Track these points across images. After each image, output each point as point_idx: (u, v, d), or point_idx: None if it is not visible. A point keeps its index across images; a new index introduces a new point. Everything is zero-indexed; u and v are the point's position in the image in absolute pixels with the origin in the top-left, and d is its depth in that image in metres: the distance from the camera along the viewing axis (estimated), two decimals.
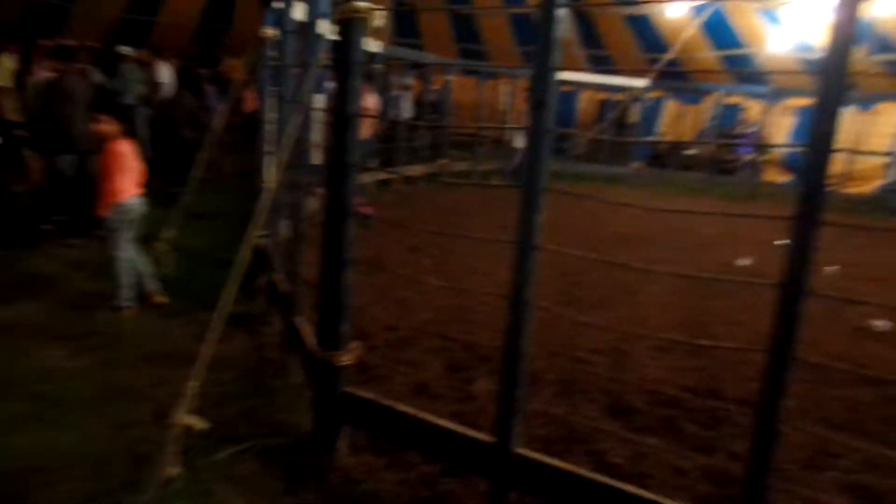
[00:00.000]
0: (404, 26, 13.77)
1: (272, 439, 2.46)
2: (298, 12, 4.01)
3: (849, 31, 1.37)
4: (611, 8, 13.41)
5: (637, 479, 2.46)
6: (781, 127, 12.81)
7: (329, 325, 2.29)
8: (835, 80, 1.39)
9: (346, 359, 2.30)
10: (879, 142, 11.39)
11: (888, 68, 11.22)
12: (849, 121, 11.33)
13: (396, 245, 5.95)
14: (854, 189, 11.39)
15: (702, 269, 5.94)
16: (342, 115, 2.14)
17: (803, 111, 12.49)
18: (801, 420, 3.06)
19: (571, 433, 2.79)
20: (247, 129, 12.26)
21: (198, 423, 1.99)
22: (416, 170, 10.00)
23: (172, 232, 4.16)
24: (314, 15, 3.01)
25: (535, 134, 1.81)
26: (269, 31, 4.19)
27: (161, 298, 4.04)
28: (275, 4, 4.08)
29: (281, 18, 3.80)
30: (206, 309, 3.91)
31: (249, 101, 11.75)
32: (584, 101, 14.22)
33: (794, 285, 1.47)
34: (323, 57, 2.72)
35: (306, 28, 3.08)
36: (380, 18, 2.28)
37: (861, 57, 11.78)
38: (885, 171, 11.06)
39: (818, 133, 1.42)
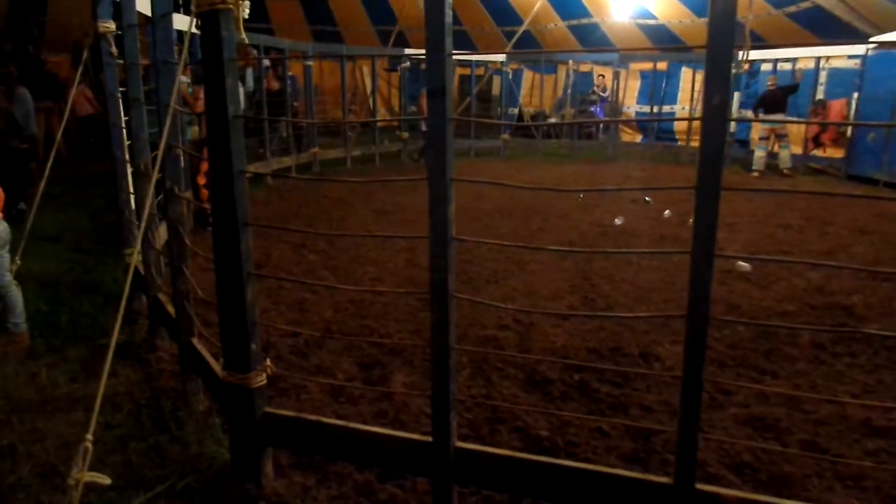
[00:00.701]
0: (251, 10, 13.07)
1: (188, 477, 2.24)
2: (141, 4, 3.63)
3: (731, 3, 1.44)
4: None
5: (565, 448, 2.55)
6: (630, 90, 13.74)
7: (237, 346, 2.11)
8: (723, 52, 1.45)
9: (259, 380, 2.14)
10: None
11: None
12: (687, 81, 12.39)
13: (279, 243, 5.68)
14: (698, 143, 12.46)
15: (584, 231, 6.26)
16: (222, 118, 1.95)
17: (645, 75, 13.48)
18: None
19: (494, 413, 2.82)
20: (83, 134, 11.09)
21: (99, 478, 1.75)
22: (285, 162, 9.60)
23: (16, 261, 3.64)
24: (163, 6, 2.71)
25: (436, 123, 1.75)
26: (107, 25, 3.75)
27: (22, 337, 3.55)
28: None
29: (120, 10, 3.41)
30: (73, 343, 3.51)
31: (81, 103, 10.61)
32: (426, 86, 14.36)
33: (704, 250, 1.54)
34: (180, 53, 2.47)
35: (153, 21, 2.77)
36: (246, 8, 2.10)
37: (692, 21, 12.87)
38: None
39: (711, 106, 1.48)
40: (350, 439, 2.09)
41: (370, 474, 2.30)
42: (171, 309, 3.10)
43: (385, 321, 3.94)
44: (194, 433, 2.55)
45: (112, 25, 3.67)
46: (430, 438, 1.96)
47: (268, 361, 2.18)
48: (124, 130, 3.74)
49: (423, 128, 10.14)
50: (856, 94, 9.48)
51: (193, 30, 2.10)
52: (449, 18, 1.67)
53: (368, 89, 14.54)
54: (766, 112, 9.79)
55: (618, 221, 6.56)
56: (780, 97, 9.72)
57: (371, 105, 13.64)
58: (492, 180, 2.45)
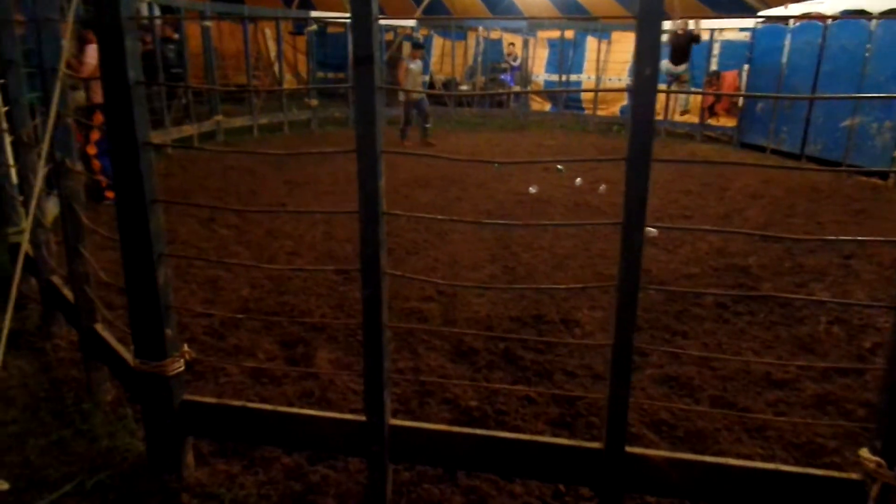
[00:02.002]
0: None
1: (100, 473, 2.08)
2: None
3: None
4: None
5: (495, 417, 2.58)
6: (539, 59, 13.90)
7: (150, 332, 1.95)
8: (653, 24, 1.46)
9: (176, 367, 2.00)
10: (617, 67, 12.95)
11: (621, 2, 12.66)
12: (593, 50, 12.69)
13: (186, 218, 5.35)
14: (604, 111, 12.90)
15: (501, 200, 6.32)
16: (122, 84, 1.76)
17: (553, 43, 13.68)
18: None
19: (423, 386, 2.81)
20: None
21: None
22: (188, 130, 9.02)
23: None
24: None
25: (365, 92, 1.66)
26: None
27: None
28: None
29: None
30: None
31: None
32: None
33: (635, 221, 1.57)
34: (68, 10, 2.21)
35: None
36: None
37: None
38: (625, 95, 12.65)
39: (642, 77, 1.49)
40: (279, 423, 2.01)
41: (299, 457, 2.23)
42: (67, 293, 2.84)
43: (305, 297, 3.82)
44: (103, 426, 2.37)
45: None
46: (363, 417, 1.92)
47: (185, 346, 2.04)
48: None
49: (402, 100, 9.69)
50: (746, 66, 10.07)
51: None
52: None
53: (273, 54, 13.86)
54: (673, 61, 10.32)
55: (532, 190, 6.67)
56: (684, 45, 10.23)
57: (277, 71, 13.03)
58: (419, 152, 2.38)
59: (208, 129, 9.52)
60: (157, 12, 8.94)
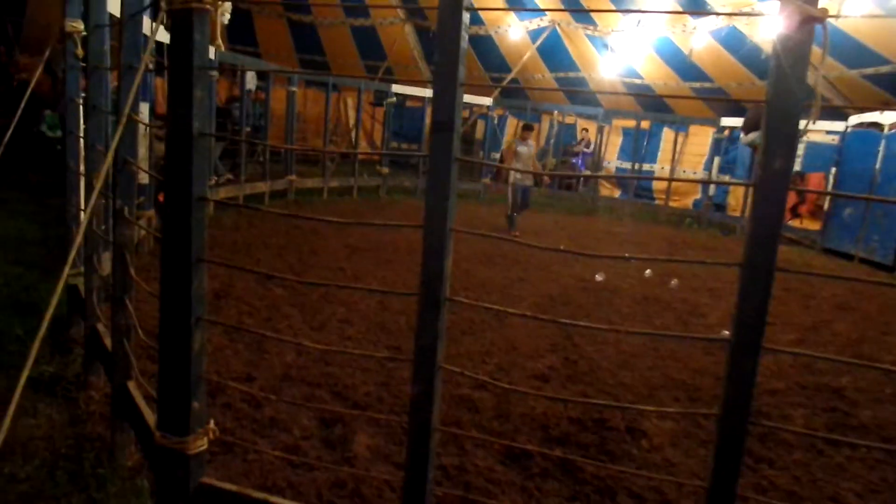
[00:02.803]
0: (238, 31, 12.84)
1: None
2: (112, 3, 3.34)
3: (803, 57, 1.22)
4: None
5: None
6: (612, 145, 13.83)
7: (175, 403, 1.77)
8: (788, 110, 1.23)
9: (198, 444, 1.79)
10: (692, 160, 12.69)
11: (699, 94, 12.55)
12: (668, 141, 12.51)
13: (244, 273, 5.31)
14: (676, 203, 12.55)
15: (565, 285, 6.03)
16: (185, 134, 1.66)
17: (627, 131, 13.61)
18: (679, 441, 3.05)
19: (468, 490, 2.49)
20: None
21: None
22: (261, 187, 9.26)
23: None
24: (133, 6, 2.44)
25: (441, 161, 1.49)
26: (74, 25, 3.45)
27: None
28: None
29: (87, 10, 3.12)
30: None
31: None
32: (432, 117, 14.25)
33: (750, 340, 1.29)
34: (148, 59, 2.18)
35: (123, 22, 2.49)
36: (227, 12, 1.84)
37: (677, 84, 13.10)
38: (698, 187, 12.32)
39: (770, 171, 1.25)
40: None
41: None
42: (108, 343, 2.73)
43: (351, 370, 3.60)
44: (117, 497, 2.17)
45: (80, 25, 3.37)
46: None
47: (211, 423, 1.84)
48: (81, 140, 3.40)
49: (509, 189, 8.79)
50: (833, 169, 9.61)
51: (163, 31, 1.83)
52: (465, 44, 1.43)
53: (352, 122, 14.38)
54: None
55: (599, 278, 6.36)
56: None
57: (353, 137, 13.45)
58: (493, 234, 2.19)
59: (280, 188, 9.76)
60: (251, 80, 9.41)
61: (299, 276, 5.35)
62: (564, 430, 3.12)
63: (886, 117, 9.03)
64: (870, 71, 10.33)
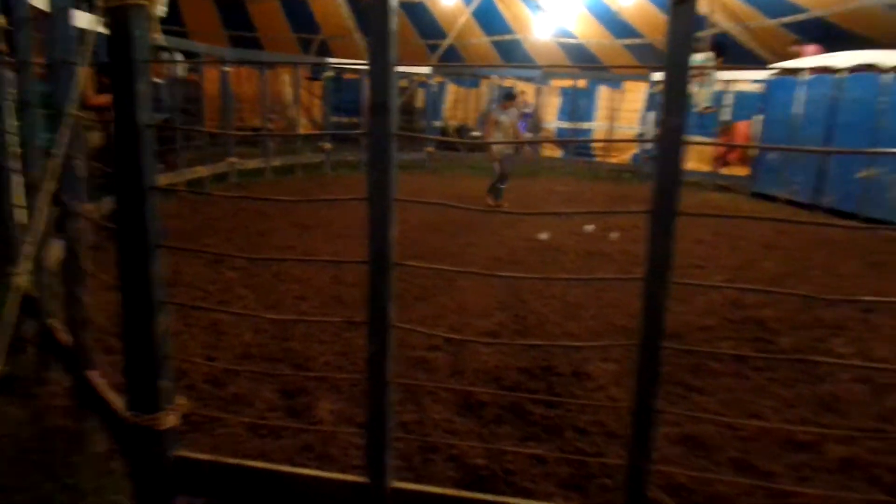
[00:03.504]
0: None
1: None
2: None
3: (689, 31, 1.40)
4: None
5: (504, 477, 2.45)
6: (551, 106, 14.06)
7: (144, 384, 1.87)
8: (679, 75, 1.41)
9: (170, 420, 1.90)
10: (628, 116, 13.06)
11: (631, 51, 12.87)
12: (605, 99, 12.82)
13: (192, 259, 5.31)
14: (615, 159, 12.95)
15: (513, 247, 6.25)
16: (131, 127, 1.72)
17: (566, 91, 13.85)
18: (622, 381, 3.31)
19: (427, 441, 2.68)
20: None
21: None
22: (200, 171, 9.10)
23: None
24: (62, 1, 2.43)
25: (379, 138, 1.61)
26: None
27: None
28: None
29: (8, 3, 3.05)
30: None
31: None
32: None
33: (660, 277, 1.49)
34: (89, 53, 2.20)
35: (52, 16, 2.48)
36: (162, 6, 1.89)
37: (610, 42, 13.36)
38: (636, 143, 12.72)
39: (669, 128, 1.43)
40: (275, 483, 1.90)
41: None
42: (64, 337, 2.77)
43: (309, 342, 3.72)
44: (90, 480, 2.26)
45: (2, 19, 3.29)
46: (364, 479, 1.81)
47: (181, 399, 1.95)
48: (14, 137, 3.34)
49: (496, 160, 8.40)
50: (759, 117, 10.09)
51: (100, 28, 1.87)
52: (394, 28, 1.54)
53: (289, 98, 14.13)
54: None
55: (543, 236, 6.61)
56: None
57: (292, 115, 13.24)
58: (438, 201, 2.33)
59: (221, 171, 9.61)
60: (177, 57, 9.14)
61: (250, 256, 5.39)
62: (515, 379, 3.34)
63: (805, 62, 9.53)
64: (788, 19, 10.82)
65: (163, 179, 8.15)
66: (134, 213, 1.77)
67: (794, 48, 10.20)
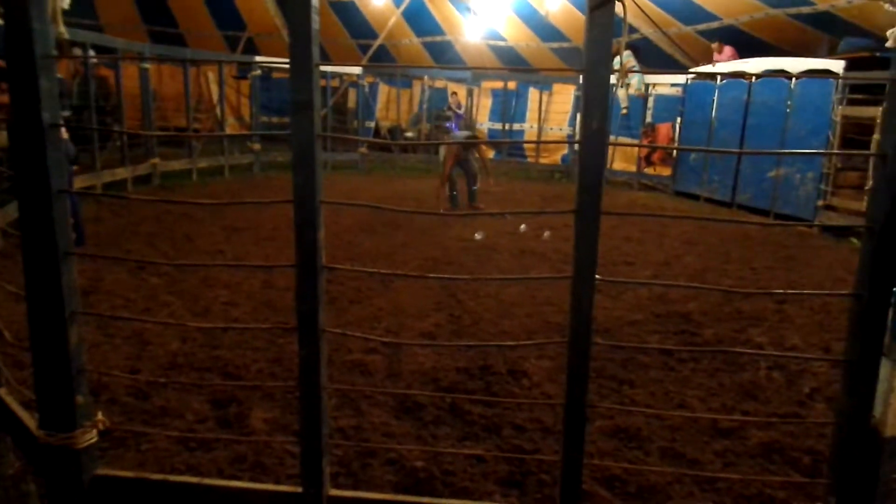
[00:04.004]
0: (75, 2, 11.67)
1: None
2: None
3: (606, 36, 1.43)
4: None
5: (442, 478, 2.44)
6: (483, 107, 14.22)
7: (57, 400, 1.75)
8: (600, 77, 1.44)
9: (87, 438, 1.79)
10: (557, 118, 13.37)
11: (558, 54, 13.17)
12: (535, 101, 13.07)
13: (113, 266, 5.05)
14: (546, 159, 13.23)
15: (447, 247, 6.27)
16: (35, 127, 1.61)
17: (496, 93, 14.04)
18: (557, 378, 3.38)
19: (365, 445, 2.65)
20: None
21: None
22: (121, 173, 8.67)
23: None
24: None
25: (303, 139, 1.57)
26: None
27: None
28: None
29: None
30: None
31: None
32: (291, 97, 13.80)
33: (586, 275, 1.52)
34: None
35: None
36: None
37: (537, 45, 13.64)
38: (566, 145, 13.03)
39: (590, 131, 1.46)
40: (205, 497, 1.82)
41: None
42: None
43: (240, 350, 3.61)
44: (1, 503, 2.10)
45: None
46: (299, 489, 1.76)
47: (99, 415, 1.84)
48: None
49: (450, 165, 7.80)
50: (679, 119, 10.55)
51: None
52: (316, 25, 1.51)
53: (215, 97, 13.66)
54: None
55: (478, 236, 6.67)
56: None
57: (218, 114, 12.80)
58: (366, 202, 2.29)
59: (144, 173, 9.19)
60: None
61: (175, 261, 5.17)
62: (453, 379, 3.35)
63: (718, 68, 10.03)
64: (702, 27, 11.37)
65: (78, 181, 7.71)
66: (41, 218, 1.66)
67: (715, 46, 10.73)
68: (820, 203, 7.83)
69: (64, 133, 1.86)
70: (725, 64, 10.21)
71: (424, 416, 2.94)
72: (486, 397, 3.12)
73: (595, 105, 1.46)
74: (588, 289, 1.52)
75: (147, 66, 9.41)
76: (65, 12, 1.79)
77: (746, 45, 10.56)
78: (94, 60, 8.73)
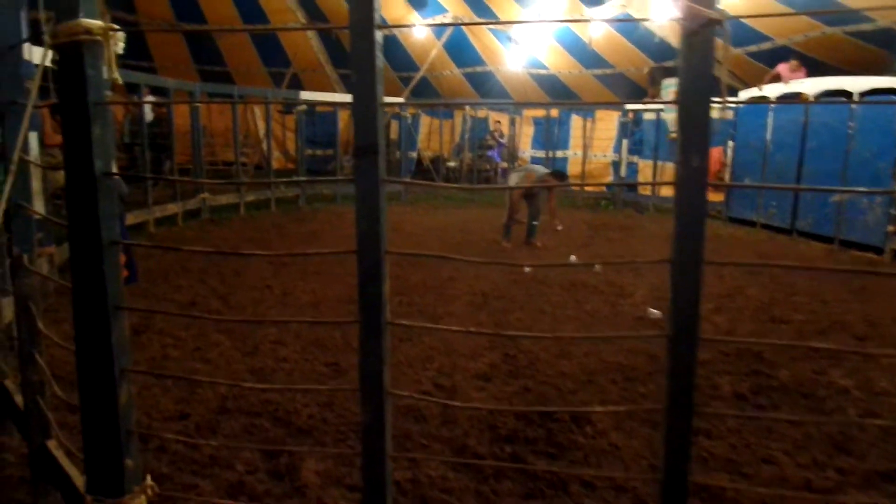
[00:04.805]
0: (129, 44, 12.17)
1: None
2: None
3: (707, 63, 1.27)
4: None
5: None
6: (525, 136, 14.12)
7: (105, 463, 1.64)
8: (700, 108, 1.28)
9: None
10: (602, 144, 13.15)
11: (602, 81, 13.00)
12: (577, 128, 12.90)
13: (163, 302, 5.05)
14: (592, 188, 12.98)
15: (496, 280, 6.10)
16: (87, 176, 1.53)
17: (538, 121, 13.93)
18: (623, 425, 3.15)
19: (424, 502, 2.47)
20: None
21: None
22: (172, 209, 8.83)
23: None
24: (10, 37, 2.23)
25: (367, 185, 1.45)
26: None
27: None
28: None
29: None
30: None
31: None
32: (344, 121, 13.98)
33: (686, 334, 1.34)
34: (35, 93, 2.01)
35: None
36: (120, 41, 1.72)
37: (580, 72, 13.51)
38: (610, 169, 12.79)
39: (689, 169, 1.30)
40: None
41: None
42: (21, 400, 2.51)
43: (291, 393, 3.49)
44: None
45: None
46: None
47: (148, 479, 1.72)
48: None
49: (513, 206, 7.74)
50: (731, 143, 10.21)
51: (48, 64, 1.69)
52: (380, 62, 1.40)
53: (262, 132, 13.95)
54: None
55: (527, 269, 6.48)
56: None
57: (265, 148, 13.04)
58: (431, 253, 2.16)
59: (193, 207, 9.35)
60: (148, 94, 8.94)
61: (224, 300, 5.14)
62: (512, 427, 3.15)
63: (772, 90, 9.68)
64: (752, 48, 11.06)
65: (131, 217, 7.87)
66: (91, 271, 1.57)
67: (793, 63, 9.88)
68: (891, 228, 7.37)
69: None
70: (777, 86, 9.84)
71: (484, 469, 2.74)
72: (549, 448, 2.91)
73: (695, 141, 1.29)
74: (689, 350, 1.34)
75: (197, 104, 9.64)
76: (120, 56, 1.73)
77: (802, 64, 10.19)
78: (147, 103, 8.99)
